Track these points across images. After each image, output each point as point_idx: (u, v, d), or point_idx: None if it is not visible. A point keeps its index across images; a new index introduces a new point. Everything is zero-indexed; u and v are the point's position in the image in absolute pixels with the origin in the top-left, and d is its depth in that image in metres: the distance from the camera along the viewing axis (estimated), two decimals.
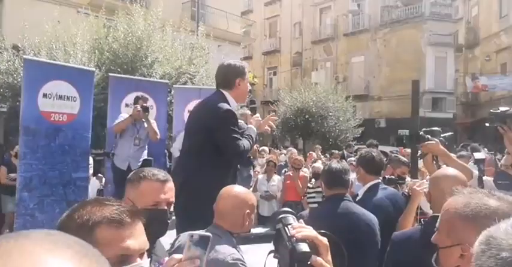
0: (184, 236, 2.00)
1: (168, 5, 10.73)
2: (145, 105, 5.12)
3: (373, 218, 2.38)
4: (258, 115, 3.08)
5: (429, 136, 2.68)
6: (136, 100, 5.45)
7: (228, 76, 2.83)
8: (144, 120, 5.19)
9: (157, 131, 5.28)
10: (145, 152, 5.46)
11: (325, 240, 0.93)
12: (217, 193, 2.02)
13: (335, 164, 2.54)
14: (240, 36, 20.10)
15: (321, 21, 27.67)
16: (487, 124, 2.26)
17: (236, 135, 2.68)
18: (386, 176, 3.02)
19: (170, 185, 1.66)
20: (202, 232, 1.03)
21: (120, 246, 0.99)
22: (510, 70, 21.44)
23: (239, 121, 2.88)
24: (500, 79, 20.73)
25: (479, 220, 1.08)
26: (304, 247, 0.88)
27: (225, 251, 1.79)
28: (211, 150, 2.67)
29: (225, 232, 1.92)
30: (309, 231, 0.93)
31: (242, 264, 1.79)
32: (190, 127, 2.90)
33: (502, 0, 23.00)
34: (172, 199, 1.65)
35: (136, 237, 1.01)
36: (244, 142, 2.70)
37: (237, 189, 2.06)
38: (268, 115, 3.61)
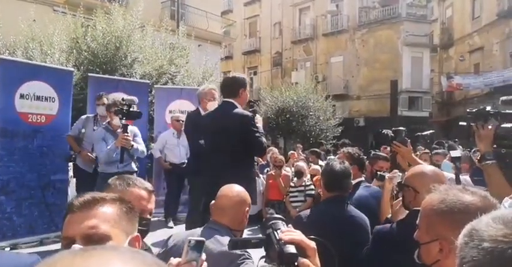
0: (178, 235, 2.07)
1: (147, 4, 10.61)
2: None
3: (366, 219, 2.39)
4: (258, 116, 3.74)
5: (392, 134, 2.75)
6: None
7: (234, 87, 3.49)
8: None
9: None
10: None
11: (312, 243, 0.97)
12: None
13: (337, 165, 2.39)
14: (220, 35, 20.04)
15: (301, 22, 27.86)
16: (461, 123, 2.33)
17: (258, 134, 3.34)
18: (378, 173, 3.05)
19: (154, 197, 1.75)
20: (197, 237, 1.12)
21: (65, 231, 1.10)
22: (483, 70, 22.11)
23: None
24: (473, 79, 21.34)
25: (454, 215, 1.13)
26: (291, 249, 0.92)
27: None
28: (240, 149, 3.27)
29: (224, 228, 2.00)
30: (296, 234, 0.97)
31: (249, 256, 1.87)
32: (221, 131, 3.38)
33: (475, 2, 23.71)
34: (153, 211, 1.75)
35: (80, 223, 1.07)
36: (264, 139, 3.41)
37: (238, 188, 2.13)
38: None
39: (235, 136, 3.27)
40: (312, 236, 1.01)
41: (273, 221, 1.04)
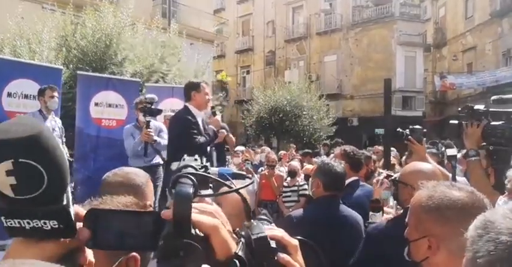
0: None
1: (138, 1, 10.50)
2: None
3: (359, 218, 2.46)
4: (217, 117, 4.01)
5: (407, 132, 2.76)
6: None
7: (187, 91, 3.72)
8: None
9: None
10: None
11: (294, 241, 0.95)
12: None
13: (339, 167, 2.48)
14: (213, 34, 19.96)
15: (294, 20, 27.84)
16: (451, 122, 2.36)
17: (193, 133, 3.51)
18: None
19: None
20: None
21: None
22: (476, 69, 22.25)
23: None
24: (466, 78, 21.47)
25: (441, 211, 1.14)
26: (271, 244, 0.90)
27: None
28: (181, 148, 3.33)
29: None
30: (277, 231, 0.95)
31: None
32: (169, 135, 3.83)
33: (468, 2, 23.85)
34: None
35: None
36: (201, 139, 3.55)
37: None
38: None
39: (173, 137, 3.63)
40: (298, 237, 0.99)
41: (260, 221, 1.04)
